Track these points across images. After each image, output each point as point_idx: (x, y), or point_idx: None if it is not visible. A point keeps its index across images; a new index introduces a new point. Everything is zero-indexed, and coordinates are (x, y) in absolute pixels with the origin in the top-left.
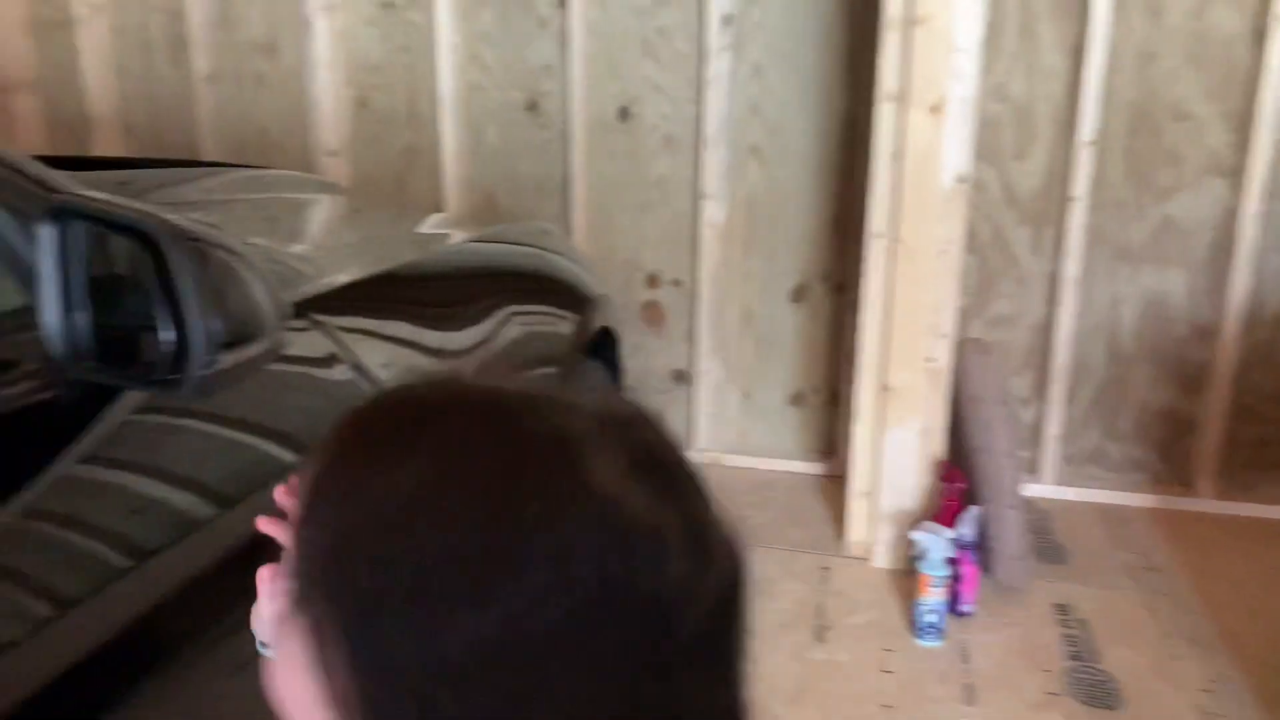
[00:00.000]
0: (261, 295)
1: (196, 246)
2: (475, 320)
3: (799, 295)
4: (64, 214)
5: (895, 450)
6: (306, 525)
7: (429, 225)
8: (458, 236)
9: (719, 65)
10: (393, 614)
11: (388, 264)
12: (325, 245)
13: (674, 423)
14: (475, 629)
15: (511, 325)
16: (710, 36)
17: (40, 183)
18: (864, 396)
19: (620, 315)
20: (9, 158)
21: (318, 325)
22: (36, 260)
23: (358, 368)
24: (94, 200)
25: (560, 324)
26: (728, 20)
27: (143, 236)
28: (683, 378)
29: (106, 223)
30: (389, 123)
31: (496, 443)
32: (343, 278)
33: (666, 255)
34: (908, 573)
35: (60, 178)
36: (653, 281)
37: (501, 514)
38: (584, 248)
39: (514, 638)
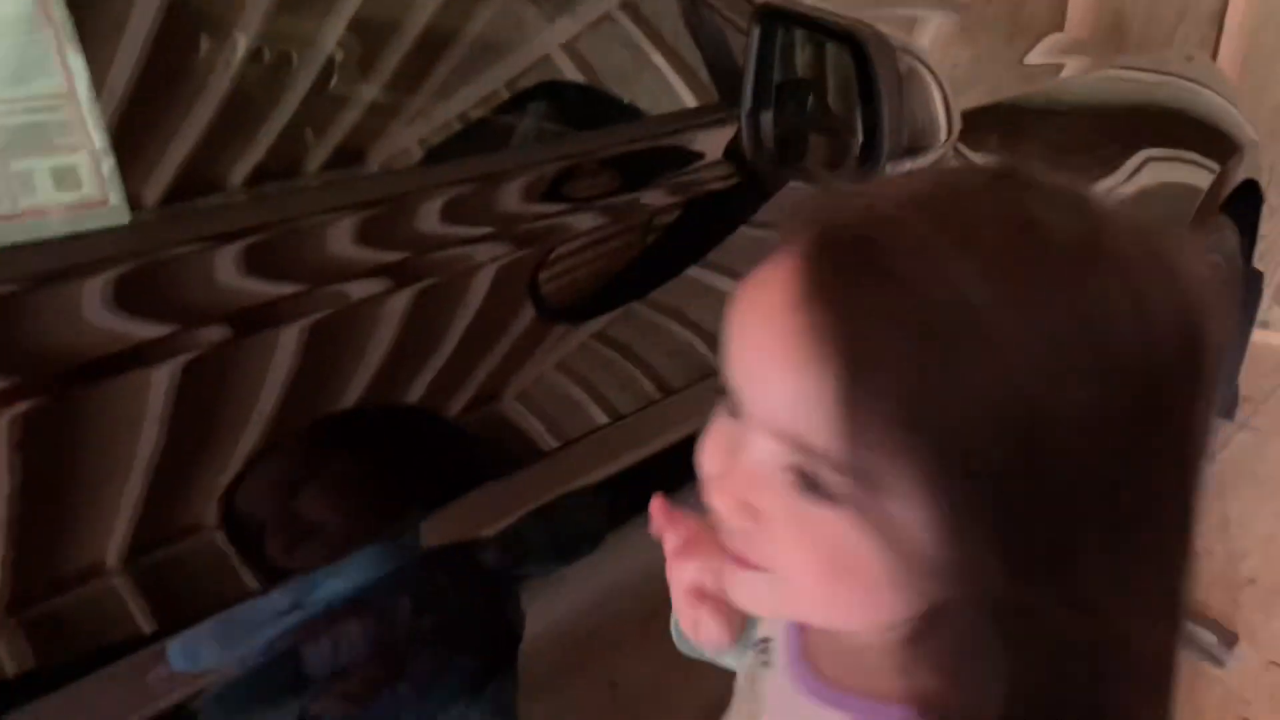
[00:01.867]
0: (939, 106)
1: (895, 55)
2: (1107, 167)
3: None
4: (770, 16)
5: None
6: (860, 385)
7: (1045, 49)
8: (1079, 62)
9: None
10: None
11: (1003, 93)
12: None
13: None
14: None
15: (1145, 172)
16: None
17: None
18: None
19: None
20: None
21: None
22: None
23: None
24: (801, 6)
25: (1199, 173)
26: None
27: (849, 41)
28: None
29: (815, 26)
30: None
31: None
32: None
33: None
34: None
35: None
36: None
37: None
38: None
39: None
